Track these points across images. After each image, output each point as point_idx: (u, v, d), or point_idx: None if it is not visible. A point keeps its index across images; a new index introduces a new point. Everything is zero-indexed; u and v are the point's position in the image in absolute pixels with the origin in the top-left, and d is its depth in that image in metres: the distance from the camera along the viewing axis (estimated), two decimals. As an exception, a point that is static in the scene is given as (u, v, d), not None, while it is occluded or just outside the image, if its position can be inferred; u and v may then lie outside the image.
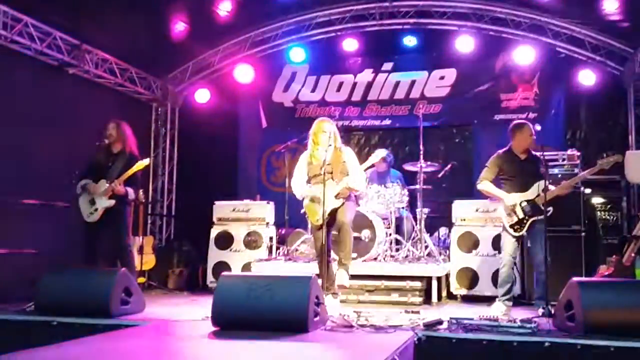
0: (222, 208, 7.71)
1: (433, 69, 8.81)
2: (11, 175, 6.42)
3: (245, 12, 8.33)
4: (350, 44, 8.86)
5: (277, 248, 7.47)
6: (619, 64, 7.98)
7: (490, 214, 6.60)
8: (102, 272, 5.10)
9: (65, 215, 6.36)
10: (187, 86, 9.59)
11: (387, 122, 8.99)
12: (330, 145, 5.32)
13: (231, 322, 4.11)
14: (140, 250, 7.42)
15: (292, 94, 9.35)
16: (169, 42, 8.45)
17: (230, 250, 7.49)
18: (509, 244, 5.35)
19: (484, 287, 6.48)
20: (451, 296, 6.73)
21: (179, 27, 8.21)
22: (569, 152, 6.85)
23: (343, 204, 5.29)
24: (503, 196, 5.36)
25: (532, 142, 5.39)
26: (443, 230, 7.50)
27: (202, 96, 9.42)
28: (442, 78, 8.77)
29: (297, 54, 9.02)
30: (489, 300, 5.91)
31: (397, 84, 8.95)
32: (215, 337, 3.95)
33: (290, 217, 7.61)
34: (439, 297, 6.33)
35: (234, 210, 7.65)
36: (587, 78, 8.10)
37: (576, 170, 6.51)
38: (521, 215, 5.25)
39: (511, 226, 5.30)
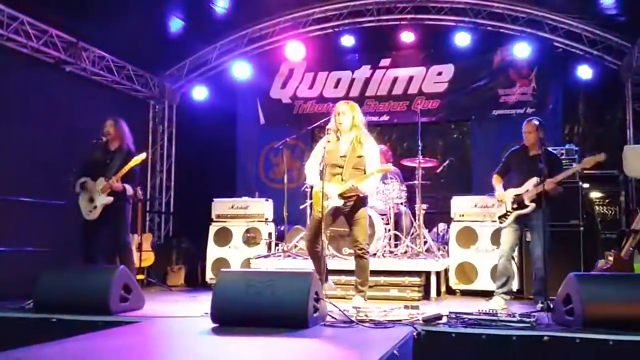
0: (220, 205, 7.73)
1: (431, 65, 8.82)
2: (9, 173, 6.41)
3: (243, 9, 8.32)
4: (347, 40, 8.87)
5: (276, 245, 7.48)
6: (616, 59, 7.97)
7: (489, 209, 6.62)
8: (102, 269, 5.11)
9: (64, 213, 6.34)
10: (185, 83, 9.59)
11: (385, 118, 8.99)
12: (352, 130, 5.12)
13: (230, 319, 4.10)
14: (139, 247, 7.43)
15: (290, 91, 9.35)
16: (166, 40, 8.43)
17: (229, 247, 7.50)
18: (504, 235, 5.50)
19: (483, 282, 6.52)
20: (450, 291, 6.76)
21: (176, 24, 8.19)
22: (567, 147, 6.87)
23: (356, 218, 5.10)
24: (496, 189, 5.60)
25: (535, 137, 5.42)
26: (442, 226, 7.52)
27: (200, 93, 9.43)
28: (439, 74, 8.77)
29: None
30: (488, 295, 5.92)
31: (395, 79, 8.95)
32: (215, 333, 3.94)
33: (289, 214, 7.60)
34: (438, 293, 6.35)
35: (232, 207, 7.68)
36: (584, 73, 8.12)
37: (574, 165, 6.50)
38: (508, 208, 5.44)
39: (499, 217, 5.55)
